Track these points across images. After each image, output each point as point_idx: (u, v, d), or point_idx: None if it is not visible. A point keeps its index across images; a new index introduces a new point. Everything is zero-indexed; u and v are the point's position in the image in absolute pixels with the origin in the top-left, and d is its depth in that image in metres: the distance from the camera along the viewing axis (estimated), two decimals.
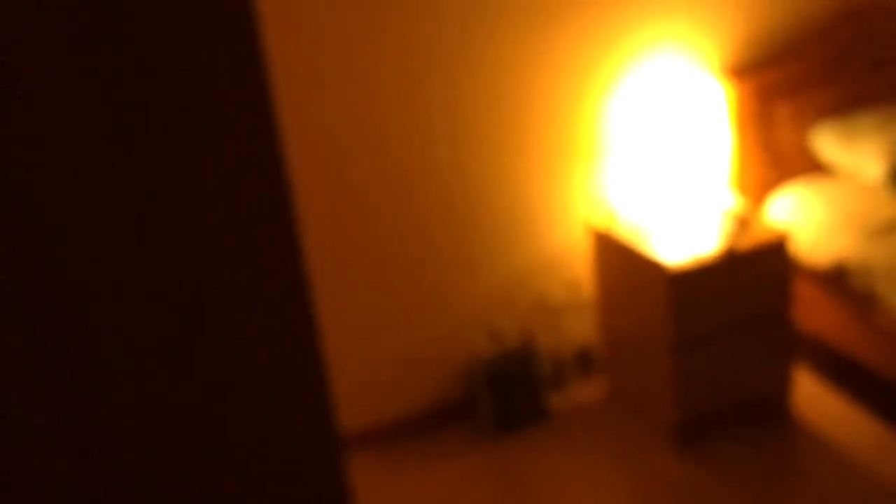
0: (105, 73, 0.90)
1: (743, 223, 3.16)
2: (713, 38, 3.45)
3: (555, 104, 3.31)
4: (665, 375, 3.13)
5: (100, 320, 0.95)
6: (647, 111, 3.29)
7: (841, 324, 3.24)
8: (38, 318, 0.92)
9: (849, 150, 3.35)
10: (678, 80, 3.37)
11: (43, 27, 0.87)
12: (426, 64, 3.13)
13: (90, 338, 0.95)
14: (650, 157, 3.28)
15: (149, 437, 1.01)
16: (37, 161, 0.89)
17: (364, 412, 3.41)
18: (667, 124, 3.24)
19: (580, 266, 3.51)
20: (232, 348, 1.02)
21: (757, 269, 3.10)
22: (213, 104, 0.95)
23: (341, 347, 3.19)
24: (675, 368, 3.09)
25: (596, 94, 3.34)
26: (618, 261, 3.27)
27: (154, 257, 0.96)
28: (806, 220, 3.33)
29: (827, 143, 3.43)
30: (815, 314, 3.33)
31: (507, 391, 3.38)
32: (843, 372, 3.42)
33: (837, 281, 3.20)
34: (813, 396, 3.36)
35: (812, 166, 3.55)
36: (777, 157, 3.53)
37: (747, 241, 3.09)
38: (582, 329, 3.60)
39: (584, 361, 3.64)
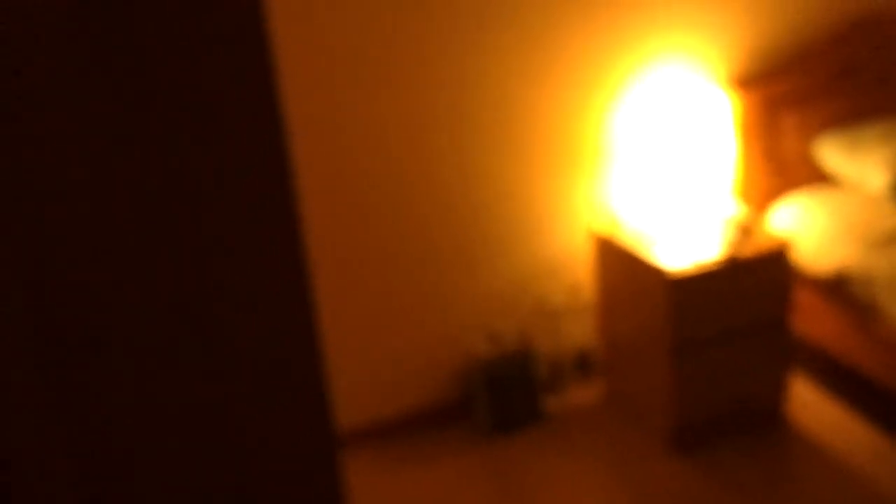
0: (106, 72, 0.90)
1: (745, 231, 3.16)
2: (720, 49, 3.45)
3: (561, 110, 3.31)
4: (663, 380, 3.13)
5: (99, 320, 0.95)
6: (652, 119, 3.29)
7: (840, 332, 3.24)
8: (38, 317, 0.92)
9: (853, 161, 3.35)
10: (684, 90, 3.37)
11: (43, 27, 0.87)
12: (433, 67, 3.13)
13: (90, 337, 0.95)
14: (654, 164, 3.28)
15: (147, 436, 1.01)
16: (37, 161, 0.89)
17: (362, 411, 3.42)
18: (672, 133, 3.24)
19: (580, 270, 3.52)
20: (231, 347, 1.03)
21: (758, 277, 3.11)
22: (216, 103, 0.95)
23: (341, 346, 3.20)
24: (673, 373, 3.09)
25: (602, 101, 3.35)
26: (619, 266, 3.27)
27: (154, 257, 0.96)
28: (809, 228, 3.33)
29: (831, 153, 3.43)
30: (814, 322, 3.34)
31: (504, 393, 3.39)
32: (841, 379, 3.42)
33: (838, 289, 3.20)
34: (811, 403, 3.37)
35: (816, 176, 3.55)
36: (781, 167, 3.53)
37: (749, 249, 3.09)
38: (581, 333, 3.60)
39: (583, 365, 3.64)
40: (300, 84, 2.96)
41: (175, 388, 1.01)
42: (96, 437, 0.98)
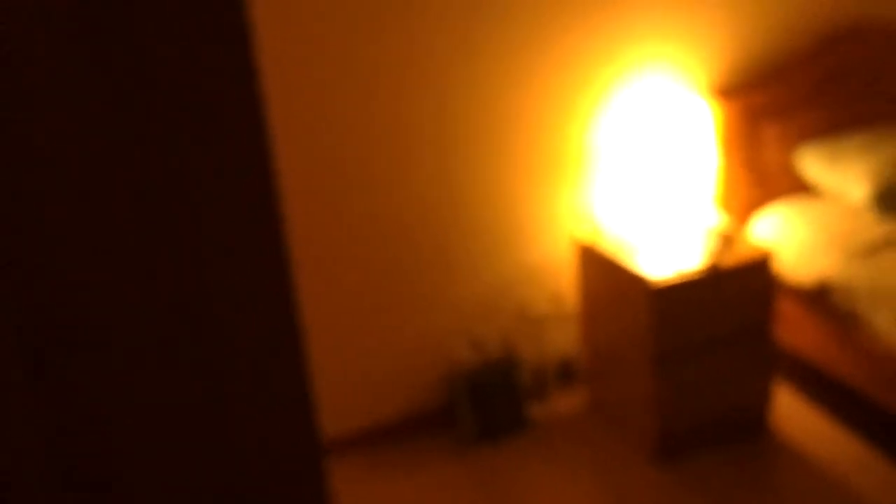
0: (104, 73, 0.91)
1: (727, 241, 3.18)
2: (702, 59, 3.48)
3: (544, 118, 3.32)
4: (646, 389, 3.15)
5: (98, 320, 0.95)
6: (635, 128, 3.31)
7: (822, 341, 3.26)
8: (38, 317, 0.92)
9: (834, 172, 3.38)
10: (666, 99, 3.39)
11: (43, 28, 0.88)
12: (416, 74, 3.14)
13: (84, 337, 0.95)
14: (637, 172, 3.30)
15: (133, 439, 1.01)
16: (37, 161, 0.89)
17: (345, 419, 3.41)
18: (654, 142, 3.26)
19: (564, 278, 3.53)
20: (214, 355, 1.02)
21: (740, 286, 3.12)
22: (203, 106, 0.95)
23: (324, 353, 3.20)
24: (656, 382, 3.10)
25: (585, 110, 3.36)
26: (602, 274, 3.29)
27: (143, 259, 0.96)
28: (790, 239, 3.35)
29: (812, 163, 3.46)
30: (796, 331, 3.36)
31: (488, 400, 3.39)
32: (823, 389, 3.44)
33: (820, 299, 3.22)
34: (793, 412, 3.39)
35: (797, 187, 3.58)
36: (762, 177, 3.56)
37: (731, 259, 3.11)
38: (564, 340, 3.61)
39: (566, 372, 3.65)
40: (286, 92, 2.96)
41: (159, 395, 1.01)
42: (80, 436, 0.98)
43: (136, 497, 1.03)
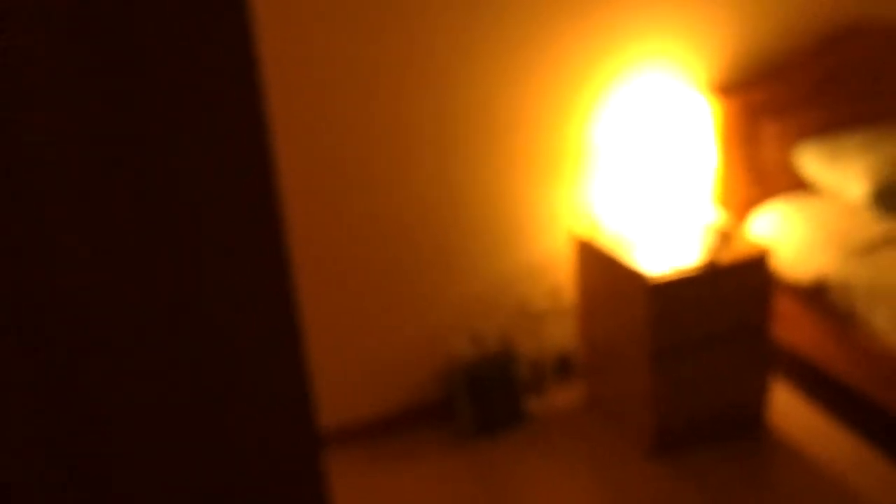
0: (104, 73, 0.91)
1: (725, 237, 3.18)
2: (702, 56, 3.47)
3: (543, 114, 3.32)
4: (643, 385, 3.15)
5: (98, 319, 0.95)
6: (634, 124, 3.31)
7: (819, 339, 3.26)
8: (38, 317, 0.92)
9: (833, 170, 3.38)
10: (666, 96, 3.39)
11: (43, 28, 0.88)
12: (416, 71, 3.14)
13: (84, 337, 0.95)
14: (635, 168, 3.30)
15: (131, 435, 1.01)
16: (37, 161, 0.89)
17: (344, 411, 3.42)
18: (653, 138, 3.27)
19: (562, 273, 3.53)
20: (213, 348, 1.03)
21: (737, 283, 3.13)
22: (205, 106, 0.96)
23: (324, 347, 3.21)
24: (653, 378, 3.11)
25: (584, 106, 3.36)
26: (600, 270, 3.29)
27: (143, 259, 0.96)
28: (788, 236, 3.36)
29: (811, 161, 3.46)
30: (794, 328, 3.36)
31: (486, 394, 3.40)
32: (820, 386, 3.45)
33: (817, 297, 3.23)
34: (789, 409, 3.39)
35: (796, 184, 3.58)
36: (761, 175, 3.56)
37: (729, 255, 3.11)
38: (562, 335, 3.62)
39: (564, 367, 3.66)
40: (286, 91, 2.96)
41: (157, 390, 1.01)
42: (81, 436, 0.98)
43: (136, 497, 1.03)
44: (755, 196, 3.56)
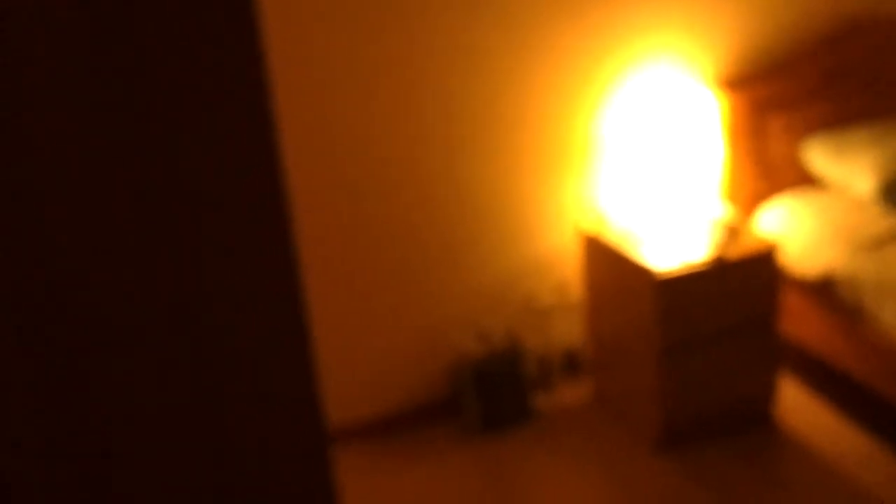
0: (105, 73, 0.91)
1: (732, 232, 3.17)
2: (709, 50, 3.46)
3: (550, 109, 3.32)
4: (651, 380, 3.15)
5: (99, 319, 0.95)
6: (641, 119, 3.31)
7: (827, 334, 3.25)
8: (38, 317, 0.92)
9: (840, 164, 3.37)
10: (673, 90, 3.38)
11: (43, 28, 0.88)
12: (422, 65, 3.14)
13: (86, 337, 0.95)
14: (642, 164, 3.29)
15: (140, 433, 1.01)
16: (37, 161, 0.89)
17: (352, 409, 3.42)
18: (660, 133, 3.26)
19: (569, 269, 3.53)
20: (222, 346, 1.03)
21: (745, 278, 3.12)
22: (211, 105, 0.95)
23: (331, 344, 3.20)
24: (660, 374, 3.10)
25: (591, 101, 3.36)
26: (607, 265, 3.28)
27: (152, 256, 0.96)
28: (796, 231, 3.34)
29: (819, 156, 3.45)
30: (801, 324, 3.35)
31: (493, 391, 3.39)
32: (828, 381, 3.44)
33: (825, 292, 3.22)
34: (797, 405, 3.38)
35: (803, 179, 3.57)
36: (769, 169, 3.55)
37: (736, 251, 3.11)
38: (569, 331, 3.61)
39: (571, 363, 3.65)
40: (292, 86, 2.96)
41: (166, 387, 1.01)
42: (81, 436, 0.98)
43: (137, 497, 1.03)
44: (762, 191, 3.55)
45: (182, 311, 1.00)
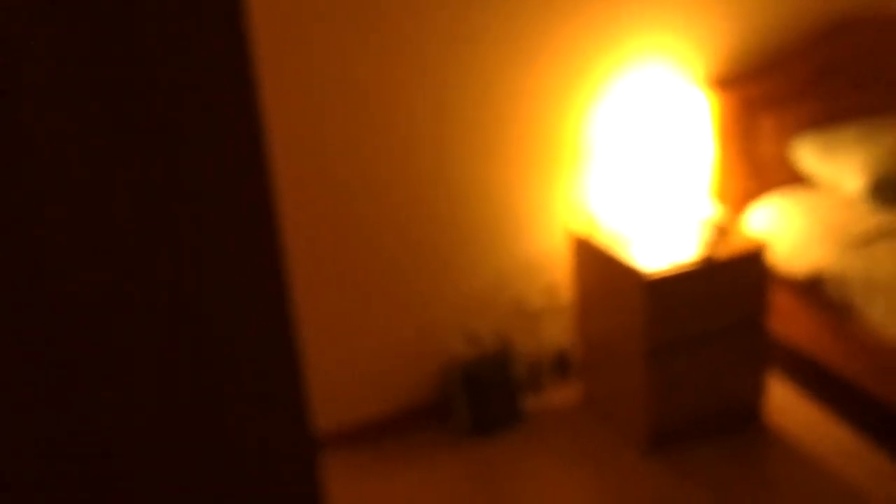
0: (104, 73, 0.90)
1: (722, 232, 3.18)
2: (699, 50, 3.47)
3: (540, 110, 3.32)
4: (640, 381, 3.15)
5: (98, 319, 0.95)
6: (631, 119, 3.31)
7: (816, 332, 3.27)
8: (38, 317, 0.92)
9: (829, 163, 3.38)
10: (663, 90, 3.39)
11: (43, 28, 0.87)
12: (412, 67, 3.14)
13: (84, 337, 0.95)
14: (632, 164, 3.30)
15: (129, 436, 1.01)
16: (37, 161, 0.89)
17: (341, 412, 3.41)
18: (650, 133, 3.27)
19: (559, 271, 3.53)
20: (208, 350, 1.03)
21: (734, 278, 3.13)
22: (202, 106, 0.95)
23: (321, 347, 3.20)
24: (650, 374, 3.11)
25: (581, 101, 3.36)
26: (596, 266, 3.29)
27: (142, 259, 0.96)
28: (785, 230, 3.36)
29: (808, 155, 3.47)
30: (790, 322, 3.36)
31: (483, 394, 3.39)
32: (817, 380, 3.45)
33: (814, 290, 3.23)
34: (786, 404, 3.40)
35: (792, 178, 3.58)
36: (758, 168, 3.57)
37: (725, 250, 3.12)
38: (559, 333, 3.62)
39: (561, 365, 3.66)
40: (281, 86, 2.95)
41: (154, 390, 1.01)
42: (80, 436, 0.98)
43: (135, 497, 1.03)
44: (752, 190, 3.57)
45: (172, 313, 0.99)
